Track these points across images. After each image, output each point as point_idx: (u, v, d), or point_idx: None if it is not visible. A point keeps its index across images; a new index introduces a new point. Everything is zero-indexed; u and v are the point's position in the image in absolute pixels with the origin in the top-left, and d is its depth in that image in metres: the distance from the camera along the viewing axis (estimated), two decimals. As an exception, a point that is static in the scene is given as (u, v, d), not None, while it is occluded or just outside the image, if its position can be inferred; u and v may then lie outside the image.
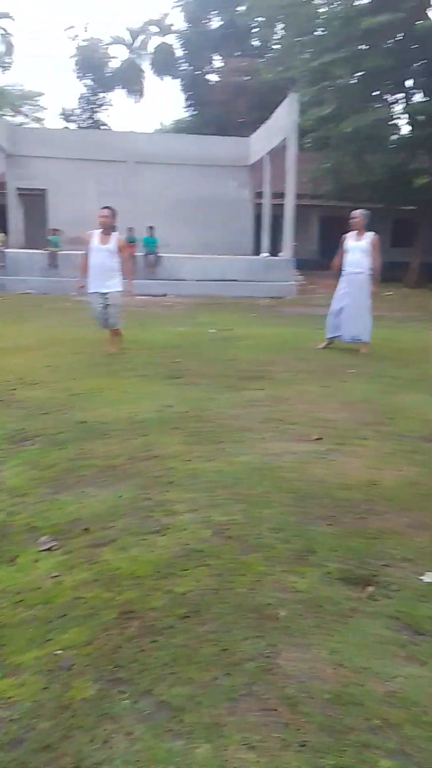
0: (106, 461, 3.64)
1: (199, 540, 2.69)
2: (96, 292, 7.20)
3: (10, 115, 41.13)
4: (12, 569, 2.45)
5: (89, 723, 1.65)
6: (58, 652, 1.93)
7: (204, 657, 1.92)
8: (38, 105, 45.10)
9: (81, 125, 40.20)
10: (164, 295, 16.35)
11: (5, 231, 20.95)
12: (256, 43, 35.87)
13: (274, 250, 21.03)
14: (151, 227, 18.47)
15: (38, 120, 44.32)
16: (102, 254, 7.10)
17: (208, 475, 3.44)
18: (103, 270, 7.12)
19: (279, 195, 20.44)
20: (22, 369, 6.18)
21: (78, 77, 40.36)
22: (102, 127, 39.60)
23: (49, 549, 2.60)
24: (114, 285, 7.21)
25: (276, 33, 28.80)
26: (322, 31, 21.93)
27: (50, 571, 2.43)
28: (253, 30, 34.04)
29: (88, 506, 3.02)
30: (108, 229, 7.11)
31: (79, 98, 41.21)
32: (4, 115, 37.08)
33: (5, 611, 2.16)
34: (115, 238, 7.15)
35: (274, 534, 2.74)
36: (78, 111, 41.43)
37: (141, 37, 41.51)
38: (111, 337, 7.41)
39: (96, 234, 7.13)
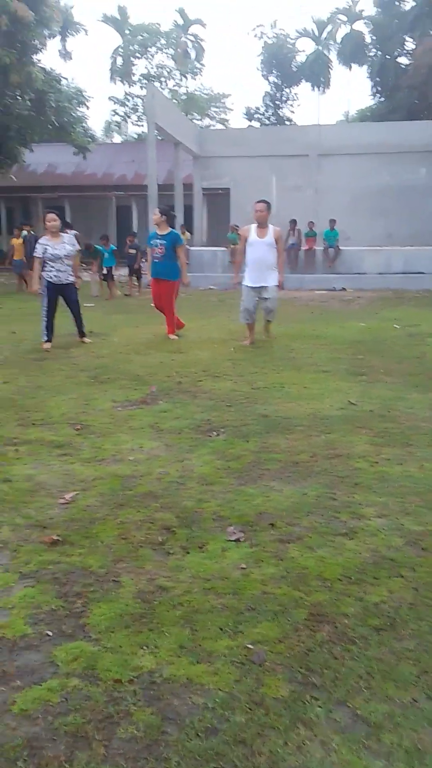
0: (289, 457, 3.62)
1: (391, 548, 2.54)
2: (253, 286, 7.21)
3: (198, 119, 43.16)
4: (202, 556, 2.52)
5: (283, 724, 1.62)
6: (250, 645, 1.94)
7: (402, 675, 1.79)
8: (224, 106, 46.76)
9: (264, 123, 40.83)
10: (343, 289, 15.96)
11: (190, 230, 22.02)
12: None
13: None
14: (332, 220, 18.15)
15: (223, 121, 45.96)
16: (260, 248, 7.07)
17: (398, 480, 3.25)
18: (262, 264, 7.10)
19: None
20: (207, 361, 6.42)
21: (263, 75, 41.00)
22: (286, 123, 39.83)
23: (236, 540, 2.64)
24: (273, 279, 7.17)
25: None
26: None
27: (238, 562, 2.46)
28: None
29: (273, 500, 3.02)
30: (264, 222, 7.07)
31: (264, 96, 41.89)
32: (192, 119, 38.99)
33: (197, 596, 2.22)
34: (272, 231, 7.08)
35: None
36: (262, 109, 42.14)
37: (328, 28, 40.89)
38: (266, 326, 7.53)
39: (252, 228, 7.13)
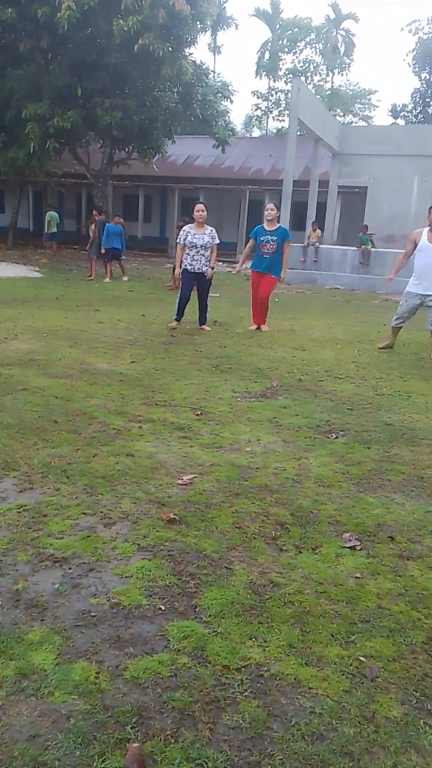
0: (413, 470, 3.45)
1: None
2: (421, 293, 6.75)
3: (340, 116, 42.29)
4: (315, 558, 2.47)
5: (393, 745, 1.55)
6: (362, 658, 1.87)
7: None
8: (369, 103, 45.43)
9: (411, 120, 39.21)
10: None
11: (321, 227, 21.66)
12: None
13: None
14: None
15: (367, 118, 44.69)
16: None
17: None
18: None
19: None
20: (330, 362, 6.29)
21: (414, 72, 39.31)
22: (434, 122, 38.00)
23: (352, 547, 2.56)
24: None
25: None
26: None
27: (353, 570, 2.39)
28: None
29: (394, 513, 2.89)
30: None
31: (413, 93, 40.18)
32: (335, 115, 38.27)
33: (308, 598, 2.18)
34: None
35: None
36: (410, 106, 40.45)
37: None
38: None
39: (425, 232, 6.76)
